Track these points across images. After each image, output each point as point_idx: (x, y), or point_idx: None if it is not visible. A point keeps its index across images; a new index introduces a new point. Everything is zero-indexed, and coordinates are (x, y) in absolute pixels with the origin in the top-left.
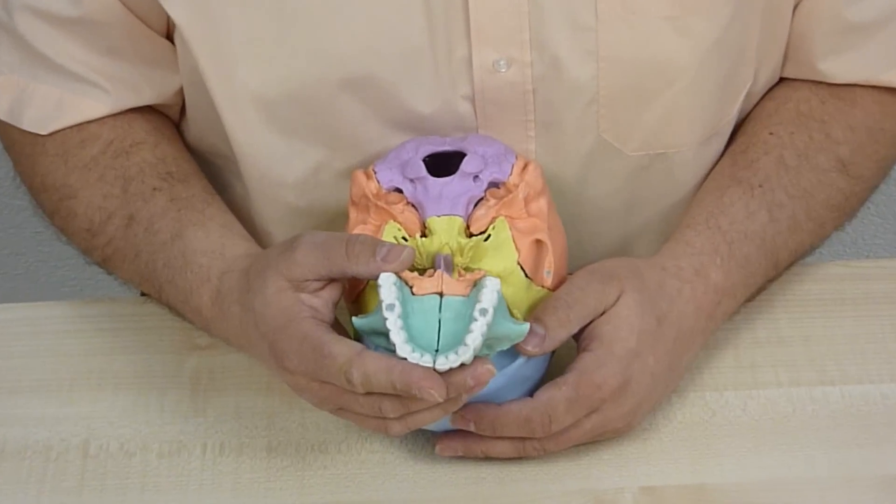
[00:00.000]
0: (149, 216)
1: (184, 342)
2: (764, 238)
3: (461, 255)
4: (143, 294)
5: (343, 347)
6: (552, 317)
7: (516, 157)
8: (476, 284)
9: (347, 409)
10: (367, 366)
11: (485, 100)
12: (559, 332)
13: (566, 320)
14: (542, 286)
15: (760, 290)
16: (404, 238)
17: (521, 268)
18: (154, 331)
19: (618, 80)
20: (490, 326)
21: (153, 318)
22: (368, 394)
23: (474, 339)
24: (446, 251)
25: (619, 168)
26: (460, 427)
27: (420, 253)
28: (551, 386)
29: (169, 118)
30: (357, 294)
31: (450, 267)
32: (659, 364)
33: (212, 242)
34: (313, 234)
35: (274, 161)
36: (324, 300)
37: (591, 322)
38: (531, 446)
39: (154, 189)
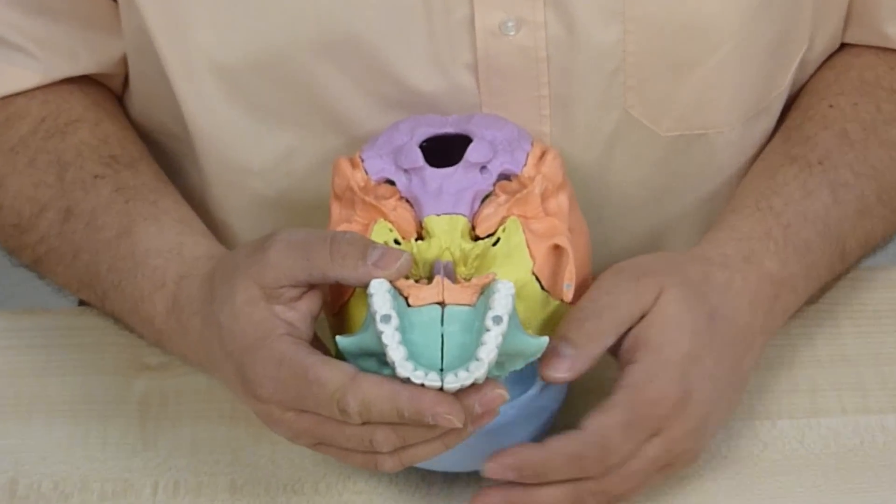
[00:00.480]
0: (90, 209)
1: (131, 361)
2: (827, 222)
3: (464, 265)
4: (82, 303)
5: (333, 371)
6: (579, 331)
7: (532, 144)
8: (484, 291)
9: (330, 443)
10: (366, 392)
11: (489, 69)
12: (590, 349)
13: (596, 333)
14: (562, 300)
15: (825, 288)
16: (396, 241)
17: (537, 278)
18: (95, 347)
19: (648, 46)
20: (505, 338)
21: (94, 332)
22: (362, 424)
23: (488, 351)
24: (447, 258)
25: (650, 151)
26: (497, 477)
27: (415, 260)
28: (599, 412)
29: (110, 91)
30: (339, 306)
31: (451, 277)
32: (720, 366)
33: (167, 240)
34: (290, 230)
35: (237, 143)
36: (301, 313)
37: (628, 330)
38: (586, 490)
39: (95, 176)
